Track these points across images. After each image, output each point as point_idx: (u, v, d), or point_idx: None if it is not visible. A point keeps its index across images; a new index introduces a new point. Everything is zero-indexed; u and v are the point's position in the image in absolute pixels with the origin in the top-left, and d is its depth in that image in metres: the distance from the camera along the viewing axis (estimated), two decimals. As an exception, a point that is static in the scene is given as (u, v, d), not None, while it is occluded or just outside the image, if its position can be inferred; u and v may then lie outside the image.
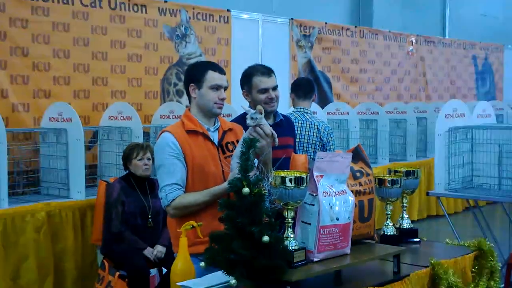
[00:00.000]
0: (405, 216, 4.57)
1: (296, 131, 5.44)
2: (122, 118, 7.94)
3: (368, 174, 4.01)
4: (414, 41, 14.81)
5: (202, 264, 3.19)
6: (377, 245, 3.97)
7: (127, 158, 6.55)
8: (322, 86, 12.36)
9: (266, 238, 3.03)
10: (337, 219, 3.48)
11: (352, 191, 3.69)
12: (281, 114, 5.08)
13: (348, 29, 13.11)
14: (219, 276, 3.27)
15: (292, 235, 3.38)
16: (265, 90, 4.84)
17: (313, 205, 3.45)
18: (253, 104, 4.85)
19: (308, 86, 6.33)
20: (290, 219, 3.37)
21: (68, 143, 7.30)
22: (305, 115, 6.01)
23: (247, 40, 11.02)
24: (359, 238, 3.86)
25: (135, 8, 9.12)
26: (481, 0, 17.84)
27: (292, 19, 11.85)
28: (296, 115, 5.95)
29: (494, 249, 4.43)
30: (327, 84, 12.55)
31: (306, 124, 5.90)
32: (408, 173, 4.50)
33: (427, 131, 12.18)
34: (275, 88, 4.89)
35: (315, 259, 3.43)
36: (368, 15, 14.22)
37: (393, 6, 14.73)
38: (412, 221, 4.70)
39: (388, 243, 4.10)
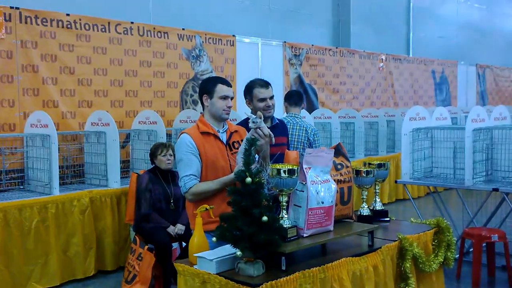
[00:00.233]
0: (378, 200, 4.57)
1: (288, 132, 5.43)
2: (149, 122, 7.94)
3: (347, 166, 4.01)
4: (384, 58, 14.78)
5: (214, 239, 3.18)
6: (355, 223, 3.97)
7: (153, 154, 6.54)
8: (309, 96, 12.34)
9: (265, 218, 3.02)
10: (322, 202, 3.48)
11: (334, 180, 3.68)
12: (276, 118, 5.06)
13: (330, 49, 13.08)
14: (227, 248, 3.28)
15: (286, 216, 3.38)
16: (263, 99, 4.83)
17: (303, 191, 3.45)
18: (254, 111, 4.84)
19: (297, 97, 6.35)
20: (284, 203, 3.38)
21: (106, 143, 7.31)
22: (296, 119, 6.00)
23: (249, 59, 10.99)
24: (340, 217, 3.86)
25: (159, 35, 9.11)
26: (439, 25, 17.78)
27: (285, 42, 11.82)
28: (289, 119, 5.94)
29: (450, 226, 4.42)
30: (314, 94, 12.51)
31: (297, 126, 5.88)
32: (379, 165, 4.50)
33: (395, 131, 12.13)
34: (271, 97, 4.88)
35: (304, 235, 3.43)
36: (346, 38, 14.18)
37: (367, 31, 14.69)
38: (383, 204, 4.69)
39: (364, 222, 4.11)
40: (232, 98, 4.19)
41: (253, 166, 3.15)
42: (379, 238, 3.96)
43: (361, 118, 11.36)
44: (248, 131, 3.93)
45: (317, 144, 5.90)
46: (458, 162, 7.12)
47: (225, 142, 4.14)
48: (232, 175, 3.79)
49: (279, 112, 9.62)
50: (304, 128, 5.88)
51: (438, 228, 4.34)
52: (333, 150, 3.81)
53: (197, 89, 7.50)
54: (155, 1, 9.75)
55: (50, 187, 6.68)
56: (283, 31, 12.33)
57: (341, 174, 3.90)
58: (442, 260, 4.26)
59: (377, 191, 4.57)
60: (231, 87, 4.21)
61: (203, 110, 4.23)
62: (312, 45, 12.53)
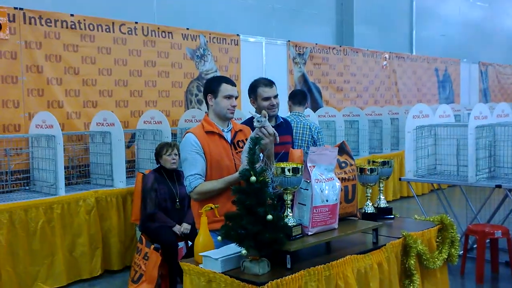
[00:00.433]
0: (382, 197, 4.56)
1: (293, 131, 5.43)
2: (154, 122, 7.94)
3: (351, 164, 4.00)
4: (387, 57, 14.75)
5: (219, 238, 3.18)
6: (359, 221, 3.96)
7: (158, 154, 6.54)
8: (314, 95, 12.33)
9: (269, 217, 3.02)
10: (327, 200, 3.47)
11: (338, 178, 3.68)
12: (281, 117, 5.06)
13: (334, 48, 13.07)
14: (232, 247, 3.27)
15: (290, 214, 3.37)
16: (268, 98, 4.83)
17: (307, 189, 3.44)
18: (258, 110, 4.84)
19: (301, 96, 6.36)
20: (289, 201, 3.37)
21: (111, 143, 7.32)
22: (300, 117, 6.01)
23: (253, 59, 10.98)
24: (344, 215, 3.85)
25: (163, 35, 9.11)
26: (441, 23, 17.75)
27: (289, 41, 11.82)
28: (293, 118, 5.95)
29: (454, 223, 4.42)
30: (318, 93, 12.50)
31: (301, 125, 5.89)
32: (384, 163, 4.49)
33: (399, 129, 12.13)
34: (276, 96, 4.88)
35: (309, 233, 3.42)
36: (350, 37, 14.17)
37: (370, 29, 14.68)
38: (388, 201, 4.70)
39: (368, 219, 4.11)
40: (236, 97, 4.18)
41: (257, 165, 3.15)
42: (384, 235, 3.95)
43: (365, 116, 11.36)
44: (253, 130, 3.93)
45: (321, 142, 5.90)
46: (461, 159, 7.11)
47: (229, 141, 4.14)
48: (236, 174, 3.79)
49: (283, 111, 9.59)
50: (308, 127, 5.88)
51: (442, 225, 4.34)
52: (337, 148, 3.81)
53: (202, 89, 7.50)
54: (159, 1, 9.76)
55: (56, 188, 6.68)
56: (287, 30, 12.33)
57: (345, 172, 3.89)
58: (446, 256, 4.26)
59: (381, 188, 4.57)
60: (235, 86, 4.20)
61: (208, 109, 4.23)
62: (316, 44, 12.52)
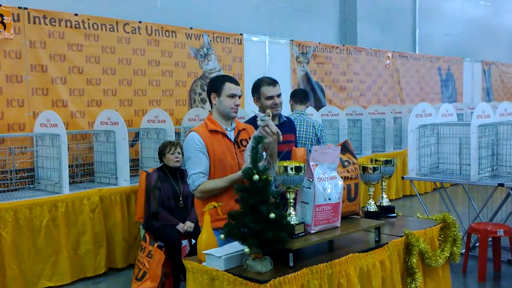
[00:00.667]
0: (384, 196, 4.57)
1: (296, 129, 5.43)
2: (158, 121, 7.95)
3: (354, 163, 4.00)
4: (390, 56, 14.74)
5: (222, 236, 3.18)
6: (362, 219, 3.96)
7: (161, 152, 6.55)
8: (317, 93, 12.33)
9: (272, 215, 3.02)
10: (329, 199, 3.47)
11: (341, 177, 3.68)
12: (284, 116, 5.07)
13: (337, 47, 13.07)
14: (235, 245, 3.28)
15: (293, 212, 3.38)
16: (271, 97, 4.84)
17: (310, 188, 3.44)
18: (261, 109, 4.85)
19: (303, 94, 6.36)
20: (291, 200, 3.37)
21: (115, 141, 7.33)
22: (303, 116, 6.01)
23: (257, 58, 11.00)
24: (347, 214, 3.85)
25: (167, 34, 9.12)
26: (444, 22, 17.73)
27: (292, 40, 11.82)
28: (296, 116, 5.95)
29: (456, 221, 4.42)
30: (321, 91, 12.50)
31: (304, 123, 5.89)
32: (386, 162, 4.49)
33: (402, 128, 12.12)
34: (279, 95, 4.89)
35: (312, 231, 3.42)
36: (353, 36, 14.16)
37: (373, 28, 14.68)
38: (390, 200, 4.69)
39: (371, 218, 4.11)
40: (240, 97, 4.19)
41: (260, 164, 3.15)
42: (386, 234, 3.96)
43: (368, 115, 11.36)
44: (256, 129, 3.94)
45: (324, 140, 5.91)
46: (464, 158, 7.11)
47: (233, 140, 4.14)
48: (239, 173, 3.78)
49: (287, 109, 9.59)
50: (312, 125, 5.89)
51: (444, 224, 4.34)
52: (340, 147, 3.81)
53: (205, 88, 7.50)
54: (163, 1, 9.76)
55: (60, 186, 6.70)
56: (291, 30, 12.32)
57: (348, 171, 3.90)
58: (448, 255, 4.26)
59: (384, 187, 4.57)
60: (239, 85, 4.21)
61: (211, 108, 4.24)
62: (319, 43, 12.52)
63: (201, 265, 3.31)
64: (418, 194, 7.72)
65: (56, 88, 7.65)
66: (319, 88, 12.44)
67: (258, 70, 10.34)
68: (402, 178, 7.88)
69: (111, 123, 7.41)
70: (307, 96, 6.40)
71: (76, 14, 7.87)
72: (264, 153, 3.80)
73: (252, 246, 3.06)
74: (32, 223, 6.28)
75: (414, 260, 3.88)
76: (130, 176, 7.39)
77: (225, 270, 3.16)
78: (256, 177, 3.06)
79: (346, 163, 3.94)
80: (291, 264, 3.19)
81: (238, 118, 4.39)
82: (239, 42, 10.44)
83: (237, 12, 11.17)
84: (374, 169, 4.25)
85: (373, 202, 4.36)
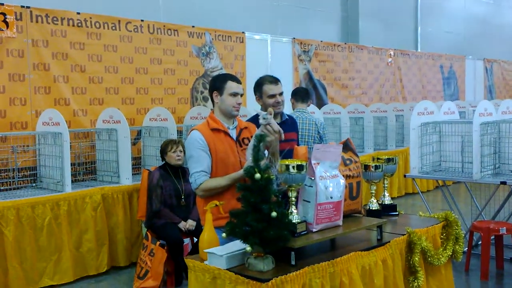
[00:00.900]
0: (386, 194, 4.56)
1: (298, 127, 5.43)
2: (160, 119, 7.96)
3: (356, 161, 4.00)
4: (392, 54, 14.72)
5: (224, 234, 3.18)
6: (364, 218, 3.96)
7: (163, 151, 6.56)
8: (319, 92, 12.32)
9: (274, 214, 3.02)
10: (331, 197, 3.47)
11: (343, 175, 3.68)
12: (286, 114, 5.07)
13: (339, 45, 13.05)
14: (237, 244, 3.28)
15: (295, 211, 3.38)
16: (273, 96, 4.84)
17: (312, 186, 3.44)
18: (263, 107, 4.85)
19: (304, 93, 6.36)
20: (293, 198, 3.37)
21: (117, 140, 7.33)
22: (305, 114, 6.01)
23: (258, 56, 10.99)
24: (349, 212, 3.85)
25: (169, 32, 9.12)
26: (446, 20, 17.70)
27: (294, 38, 11.80)
28: (298, 114, 5.95)
29: (458, 219, 4.41)
30: (323, 89, 12.49)
31: (306, 121, 5.89)
32: (388, 160, 4.48)
33: (404, 126, 12.11)
34: (281, 93, 4.89)
35: (314, 230, 3.42)
36: (355, 34, 14.14)
37: (375, 26, 14.65)
38: (392, 198, 4.68)
39: (373, 216, 4.10)
40: (242, 95, 4.18)
41: (262, 162, 3.14)
42: (388, 232, 3.95)
43: (370, 113, 11.35)
44: (258, 128, 3.93)
45: (326, 137, 5.91)
46: (466, 156, 7.09)
47: (235, 139, 4.14)
48: (241, 171, 3.78)
49: (289, 108, 9.59)
50: (314, 122, 5.89)
51: (447, 222, 4.33)
52: (342, 145, 3.81)
53: (207, 86, 7.49)
54: (165, -1, 9.77)
55: (62, 184, 6.70)
56: (292, 28, 12.30)
57: (349, 169, 3.89)
58: (450, 253, 4.25)
59: (386, 185, 4.56)
60: (240, 84, 4.20)
61: (213, 106, 4.23)
62: (321, 41, 12.51)
63: (203, 264, 3.31)
64: (420, 192, 7.71)
65: (58, 87, 7.65)
66: (321, 86, 12.42)
67: (260, 68, 10.35)
68: (404, 176, 7.86)
69: (113, 122, 7.41)
70: (308, 95, 6.39)
71: (78, 13, 7.86)
72: (266, 152, 3.79)
73: (254, 245, 3.05)
74: (34, 222, 6.28)
75: (416, 259, 3.87)
76: (132, 174, 7.40)
77: (227, 269, 3.16)
78: (258, 175, 3.06)
79: (348, 161, 3.93)
80: (293, 262, 3.19)
81: (240, 116, 4.38)
82: (241, 41, 10.43)
83: (239, 10, 11.15)
84: (376, 167, 4.25)
85: (375, 201, 4.36)
